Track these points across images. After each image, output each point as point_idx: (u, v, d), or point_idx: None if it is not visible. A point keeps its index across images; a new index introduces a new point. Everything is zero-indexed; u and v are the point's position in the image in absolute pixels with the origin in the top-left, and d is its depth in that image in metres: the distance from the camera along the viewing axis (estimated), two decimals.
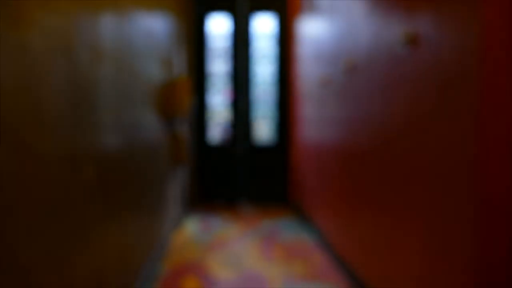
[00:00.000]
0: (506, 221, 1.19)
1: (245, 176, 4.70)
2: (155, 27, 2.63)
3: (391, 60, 1.82)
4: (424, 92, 1.52)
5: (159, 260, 2.67)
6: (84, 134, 1.33)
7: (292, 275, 2.59)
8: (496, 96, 1.19)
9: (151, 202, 2.48)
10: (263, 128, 4.76)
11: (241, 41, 4.62)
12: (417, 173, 1.58)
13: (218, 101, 4.71)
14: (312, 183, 3.59)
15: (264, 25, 4.67)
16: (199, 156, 4.62)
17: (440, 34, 1.40)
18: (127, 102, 1.91)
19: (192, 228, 3.72)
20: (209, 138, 4.69)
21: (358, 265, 2.29)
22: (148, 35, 2.38)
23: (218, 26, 4.66)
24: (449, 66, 1.35)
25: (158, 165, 2.76)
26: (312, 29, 3.55)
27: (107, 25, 1.58)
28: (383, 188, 1.94)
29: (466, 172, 1.25)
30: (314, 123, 3.47)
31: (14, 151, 0.89)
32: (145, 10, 2.32)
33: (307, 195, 3.78)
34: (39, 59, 1.01)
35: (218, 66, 4.66)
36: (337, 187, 2.78)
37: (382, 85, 1.94)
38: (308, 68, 3.74)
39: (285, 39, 4.58)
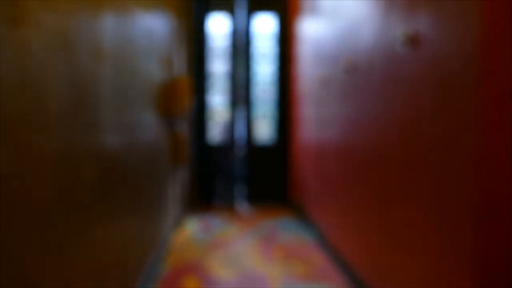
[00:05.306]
0: (507, 222, 1.19)
1: (245, 176, 4.70)
2: (155, 26, 2.63)
3: (391, 60, 1.82)
4: (424, 91, 1.51)
5: (159, 260, 2.67)
6: (84, 133, 1.33)
7: (292, 275, 2.59)
8: (496, 95, 1.18)
9: (151, 202, 2.48)
10: (263, 128, 4.76)
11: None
12: (417, 173, 1.58)
13: (218, 101, 4.71)
14: (312, 182, 3.59)
15: (264, 25, 4.68)
16: (199, 156, 4.62)
17: (440, 34, 1.40)
18: (127, 101, 1.91)
19: (192, 228, 3.72)
20: (209, 137, 4.69)
21: (358, 265, 2.29)
22: (148, 35, 2.38)
23: (218, 26, 4.65)
24: (449, 66, 1.35)
25: (158, 165, 2.76)
26: (312, 29, 3.55)
27: (107, 25, 1.58)
28: (383, 187, 1.94)
29: (467, 171, 1.25)
30: (314, 122, 3.47)
31: (14, 151, 0.89)
32: (145, 10, 2.32)
33: (307, 194, 3.78)
34: (39, 58, 1.01)
35: (218, 66, 4.66)
36: (337, 186, 2.78)
37: (382, 85, 1.94)
38: (308, 68, 3.74)
39: (285, 39, 4.58)
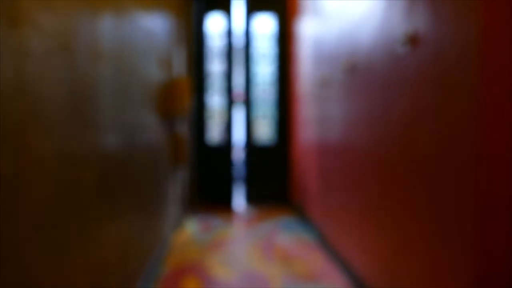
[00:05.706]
0: (507, 222, 1.19)
1: (245, 176, 4.70)
2: (154, 27, 2.63)
3: (391, 60, 1.82)
4: (424, 91, 1.52)
5: (159, 260, 2.67)
6: (84, 134, 1.33)
7: (292, 275, 2.59)
8: (496, 95, 1.19)
9: (151, 202, 2.48)
10: (263, 128, 4.76)
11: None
12: (418, 172, 1.58)
13: (218, 101, 4.71)
14: (312, 183, 3.59)
15: (263, 25, 4.68)
16: (199, 156, 4.62)
17: (440, 34, 1.40)
18: (127, 102, 1.91)
19: (192, 228, 3.72)
20: (208, 137, 4.69)
21: (358, 265, 2.29)
22: (147, 35, 2.38)
23: (217, 26, 4.65)
24: (449, 66, 1.35)
25: (158, 165, 2.76)
26: (312, 29, 3.55)
27: (107, 25, 1.58)
28: (383, 187, 1.94)
29: (467, 170, 1.25)
30: (314, 123, 3.47)
31: (14, 151, 0.89)
32: (144, 10, 2.32)
33: (307, 195, 3.78)
34: (38, 59, 1.01)
35: (217, 66, 4.66)
36: (337, 186, 2.78)
37: (382, 85, 1.94)
38: (307, 68, 3.74)
39: (285, 39, 4.58)
